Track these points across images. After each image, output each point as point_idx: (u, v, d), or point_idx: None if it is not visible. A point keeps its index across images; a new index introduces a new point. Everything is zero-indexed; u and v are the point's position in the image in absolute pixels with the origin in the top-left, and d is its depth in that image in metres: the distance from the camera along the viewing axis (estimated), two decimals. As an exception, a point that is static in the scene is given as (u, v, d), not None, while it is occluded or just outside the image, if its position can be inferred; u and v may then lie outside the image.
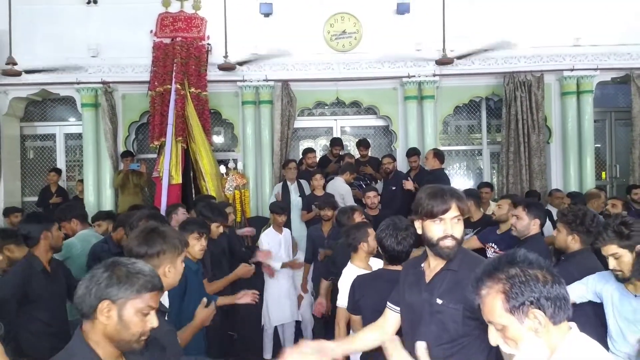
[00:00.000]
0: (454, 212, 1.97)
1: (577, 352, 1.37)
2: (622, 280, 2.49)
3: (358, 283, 2.80)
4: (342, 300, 3.05)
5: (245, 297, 3.30)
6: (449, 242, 1.97)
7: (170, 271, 2.11)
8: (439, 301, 1.98)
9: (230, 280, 3.82)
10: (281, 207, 5.50)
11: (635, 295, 2.50)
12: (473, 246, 4.38)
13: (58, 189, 7.54)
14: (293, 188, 6.60)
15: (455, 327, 1.94)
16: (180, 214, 4.54)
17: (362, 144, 7.27)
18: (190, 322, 2.55)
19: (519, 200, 3.84)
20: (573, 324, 1.44)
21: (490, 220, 4.63)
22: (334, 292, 3.92)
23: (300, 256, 5.45)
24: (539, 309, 1.36)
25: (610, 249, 2.47)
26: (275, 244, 5.29)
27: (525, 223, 3.54)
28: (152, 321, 1.60)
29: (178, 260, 2.14)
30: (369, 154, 7.46)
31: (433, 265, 2.05)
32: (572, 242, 2.99)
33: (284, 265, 5.25)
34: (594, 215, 3.07)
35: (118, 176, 7.21)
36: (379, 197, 5.68)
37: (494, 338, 1.44)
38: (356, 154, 7.60)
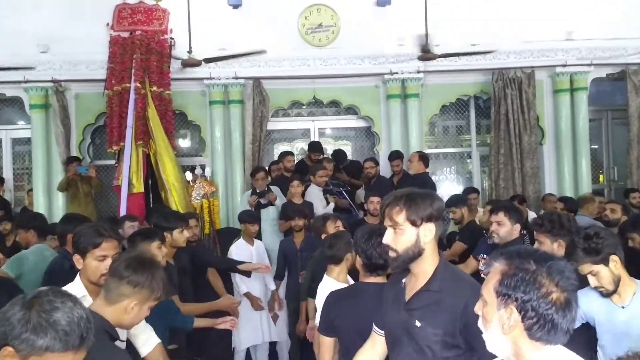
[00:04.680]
0: (387, 220, 2.00)
1: None
2: (607, 295, 2.56)
3: (334, 299, 2.74)
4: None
5: (225, 324, 3.35)
6: (389, 253, 2.03)
7: (134, 309, 2.11)
8: (418, 324, 1.98)
9: (207, 309, 3.85)
10: (252, 215, 5.49)
11: (623, 307, 2.57)
12: (456, 252, 4.50)
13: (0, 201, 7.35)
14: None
15: (432, 353, 1.96)
16: (126, 228, 4.53)
17: (337, 159, 7.26)
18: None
19: (498, 206, 3.95)
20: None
21: (474, 225, 4.73)
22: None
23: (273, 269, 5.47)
24: (520, 311, 1.43)
25: (585, 268, 2.53)
26: (245, 257, 5.25)
27: (507, 229, 3.64)
28: None
29: (147, 305, 2.15)
30: (350, 157, 7.46)
31: (412, 282, 2.06)
32: (559, 250, 3.05)
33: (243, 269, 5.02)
34: (566, 215, 3.17)
35: (62, 182, 7.07)
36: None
37: (477, 307, 1.54)
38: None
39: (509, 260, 1.49)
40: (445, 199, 7.78)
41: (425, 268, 2.00)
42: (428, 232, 1.97)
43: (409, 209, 1.96)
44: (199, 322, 3.37)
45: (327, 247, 3.24)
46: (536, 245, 3.22)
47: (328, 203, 6.44)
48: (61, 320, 1.44)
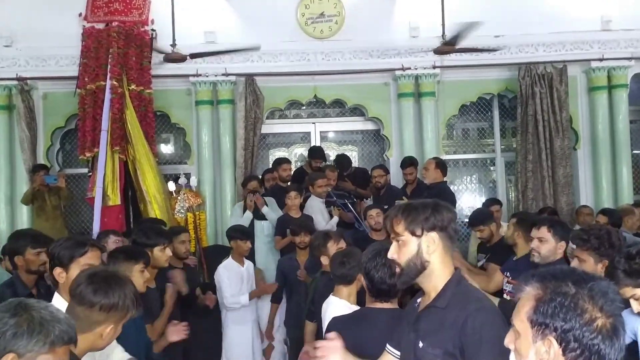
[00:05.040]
0: (391, 234, 2.13)
1: None
2: None
3: (336, 326, 2.75)
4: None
5: (173, 335, 3.43)
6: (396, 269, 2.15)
7: (110, 332, 2.17)
8: (421, 344, 2.05)
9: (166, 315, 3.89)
10: (243, 231, 5.43)
11: None
12: (496, 278, 4.43)
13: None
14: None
15: None
16: (110, 243, 4.48)
17: (339, 166, 7.28)
18: None
19: (541, 220, 3.88)
20: None
21: (505, 243, 4.70)
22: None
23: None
24: (560, 342, 1.39)
25: (627, 292, 2.51)
26: (235, 279, 5.24)
27: (551, 247, 3.59)
28: None
29: (121, 324, 2.22)
30: (356, 165, 7.50)
31: (424, 300, 2.13)
32: (602, 272, 2.98)
33: (251, 297, 5.25)
34: (617, 232, 3.15)
35: (27, 193, 7.04)
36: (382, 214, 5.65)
37: (508, 339, 1.53)
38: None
39: (543, 283, 1.48)
40: (464, 210, 7.91)
41: (435, 284, 2.08)
42: (431, 243, 2.05)
43: (408, 217, 2.06)
44: (157, 346, 3.45)
45: (338, 264, 3.28)
46: (575, 263, 3.18)
47: (332, 216, 6.43)
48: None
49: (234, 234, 5.34)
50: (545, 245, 3.58)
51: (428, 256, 2.04)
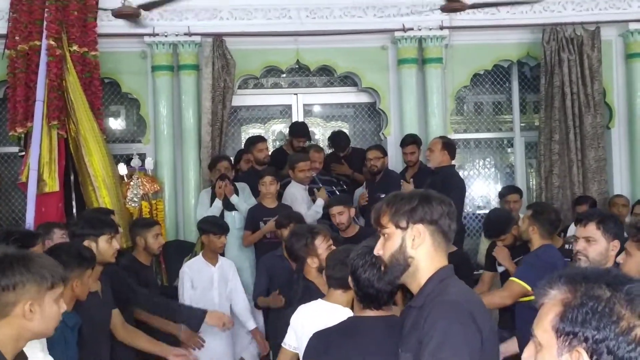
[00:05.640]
0: (377, 228, 2.28)
1: None
2: None
3: (319, 340, 2.78)
4: (290, 339, 3.32)
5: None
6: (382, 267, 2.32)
7: (35, 309, 2.28)
8: (399, 349, 2.23)
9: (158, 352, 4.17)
10: (218, 224, 5.48)
11: None
12: (515, 292, 4.39)
13: None
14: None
15: None
16: (56, 239, 4.56)
17: (335, 145, 7.39)
18: None
19: (588, 215, 3.78)
20: None
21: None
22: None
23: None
24: (591, 355, 1.39)
25: None
26: (204, 281, 5.28)
27: (602, 248, 3.49)
28: None
29: (47, 298, 2.32)
30: (352, 145, 7.50)
31: None
32: None
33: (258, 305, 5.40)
34: None
35: None
36: (350, 211, 5.74)
37: (527, 353, 1.54)
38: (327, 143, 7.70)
39: (572, 285, 1.47)
40: (476, 200, 7.86)
41: (420, 282, 2.20)
42: (417, 236, 2.17)
43: (392, 207, 2.20)
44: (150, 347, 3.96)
45: (339, 265, 3.27)
46: (622, 257, 3.22)
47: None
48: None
49: (208, 227, 5.38)
50: (595, 246, 3.47)
51: (413, 251, 2.17)
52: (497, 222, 5.40)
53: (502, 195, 6.77)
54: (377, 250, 2.25)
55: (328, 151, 7.64)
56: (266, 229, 6.04)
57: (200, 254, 5.50)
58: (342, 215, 5.66)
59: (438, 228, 2.18)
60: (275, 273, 5.22)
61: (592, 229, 3.51)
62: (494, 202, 8.05)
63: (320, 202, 6.38)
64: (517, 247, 5.13)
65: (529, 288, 4.20)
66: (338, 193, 6.61)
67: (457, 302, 2.12)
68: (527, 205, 5.30)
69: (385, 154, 6.93)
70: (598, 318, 1.40)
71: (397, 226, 2.18)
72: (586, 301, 1.43)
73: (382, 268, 2.27)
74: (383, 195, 6.03)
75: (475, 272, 5.77)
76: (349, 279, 2.91)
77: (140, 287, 4.67)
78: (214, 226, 5.38)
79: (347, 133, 8.15)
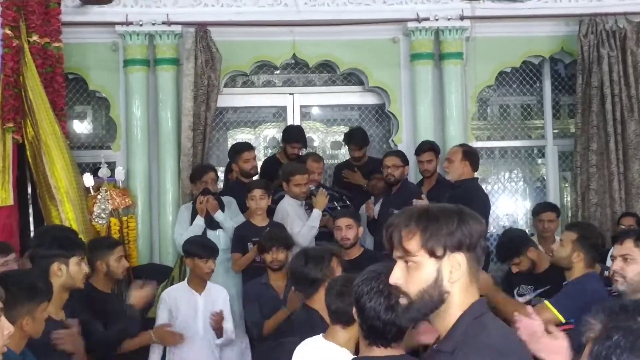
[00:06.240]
0: (395, 250, 2.06)
1: None
2: None
3: None
4: None
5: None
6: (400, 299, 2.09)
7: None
8: None
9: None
10: (206, 246, 5.48)
11: None
12: (549, 320, 4.39)
13: None
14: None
15: None
16: (11, 264, 4.54)
17: (354, 139, 7.37)
18: None
19: (626, 232, 3.93)
20: None
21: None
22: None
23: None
24: None
25: None
26: (187, 311, 5.29)
27: None
28: None
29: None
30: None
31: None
32: None
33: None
34: None
35: None
36: (359, 229, 5.75)
37: None
38: (329, 151, 7.78)
39: (609, 317, 1.50)
40: (501, 219, 7.95)
41: (451, 321, 2.06)
42: (456, 267, 2.02)
43: (426, 230, 2.01)
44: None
45: (335, 295, 3.26)
46: None
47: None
48: None
49: (193, 249, 5.36)
50: (633, 266, 3.56)
51: (449, 285, 2.01)
52: (509, 242, 5.43)
53: (535, 212, 6.72)
54: (396, 280, 2.06)
55: (336, 157, 7.71)
56: (252, 254, 6.04)
57: (186, 280, 5.50)
58: (350, 229, 5.65)
59: (474, 255, 2.04)
60: (262, 302, 5.27)
61: (629, 247, 3.59)
62: (522, 222, 8.09)
63: (316, 213, 6.31)
64: (537, 274, 5.14)
65: (561, 319, 4.20)
66: (340, 209, 6.56)
67: (499, 350, 2.02)
68: (567, 226, 5.25)
69: (405, 162, 6.80)
70: (619, 353, 1.42)
71: (432, 254, 2.00)
72: (612, 334, 1.45)
73: (403, 301, 2.07)
74: (397, 212, 6.14)
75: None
76: (354, 309, 2.90)
77: (97, 325, 4.60)
78: (200, 248, 5.35)
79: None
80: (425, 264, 2.00)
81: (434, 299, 2.00)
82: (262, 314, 5.26)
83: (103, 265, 4.85)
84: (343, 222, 5.71)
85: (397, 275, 2.04)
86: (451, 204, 2.12)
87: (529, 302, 5.11)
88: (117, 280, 5.18)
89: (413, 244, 2.01)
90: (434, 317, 2.05)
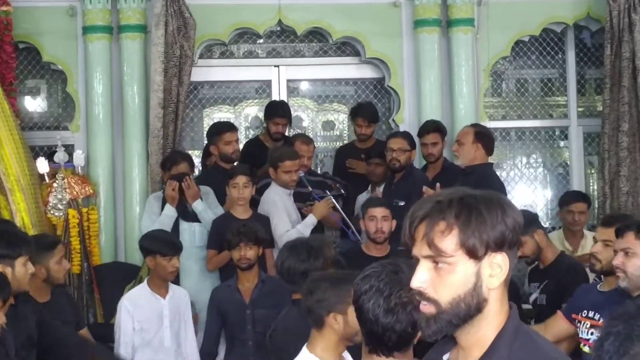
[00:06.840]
0: (419, 247, 1.94)
1: None
2: None
3: None
4: None
5: None
6: (421, 307, 1.96)
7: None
8: None
9: None
10: (169, 241, 5.49)
11: None
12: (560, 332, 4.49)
13: None
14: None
15: None
16: None
17: (362, 111, 7.42)
18: None
19: (626, 224, 3.93)
20: None
21: (572, 263, 4.78)
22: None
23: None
24: None
25: None
26: (151, 319, 5.30)
27: None
28: None
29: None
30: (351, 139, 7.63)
31: (458, 356, 2.04)
32: None
33: None
34: None
35: None
36: (392, 221, 5.71)
37: None
38: (320, 132, 7.72)
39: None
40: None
41: (484, 334, 1.97)
42: (496, 270, 1.92)
43: (467, 225, 1.89)
44: None
45: (307, 293, 3.28)
46: None
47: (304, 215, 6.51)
48: None
49: (153, 245, 5.34)
50: (634, 260, 3.68)
51: (487, 292, 1.92)
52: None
53: (564, 202, 6.76)
54: (420, 283, 1.93)
55: (328, 138, 7.74)
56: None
57: (145, 281, 5.48)
58: (386, 221, 5.60)
59: (513, 253, 1.94)
60: (226, 310, 5.37)
61: (630, 239, 3.71)
62: (542, 214, 8.05)
63: (310, 220, 6.35)
64: (549, 265, 5.21)
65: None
66: (334, 200, 6.56)
67: None
68: (603, 219, 5.21)
69: (413, 145, 6.81)
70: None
71: (472, 254, 1.89)
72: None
73: (428, 310, 1.94)
74: (402, 204, 6.25)
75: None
76: (327, 313, 3.02)
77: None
78: (161, 244, 5.32)
79: (345, 119, 8.23)
80: (462, 266, 1.90)
81: (471, 308, 1.91)
82: (224, 323, 5.40)
83: (42, 271, 4.67)
84: (379, 212, 5.64)
85: (423, 278, 1.92)
86: (485, 191, 1.98)
87: (534, 301, 5.28)
88: (57, 285, 4.98)
89: (449, 241, 1.88)
90: (466, 329, 1.95)
